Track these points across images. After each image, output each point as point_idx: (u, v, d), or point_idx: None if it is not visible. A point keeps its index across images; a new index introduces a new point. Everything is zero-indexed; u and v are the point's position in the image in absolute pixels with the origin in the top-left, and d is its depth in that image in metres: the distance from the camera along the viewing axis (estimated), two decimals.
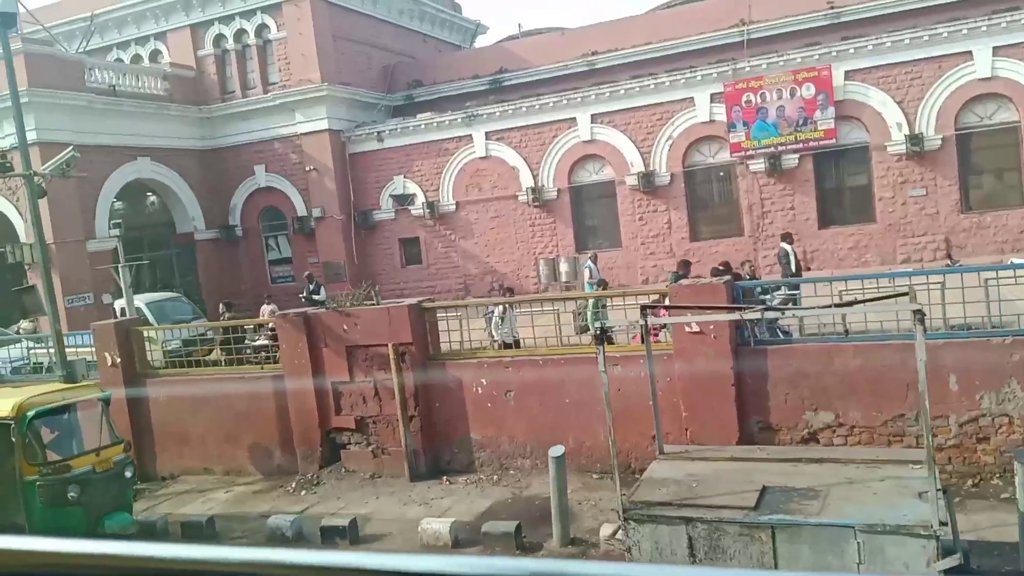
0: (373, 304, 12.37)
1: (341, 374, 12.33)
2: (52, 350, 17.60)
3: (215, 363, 16.07)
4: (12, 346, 18.47)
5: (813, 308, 7.95)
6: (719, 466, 7.35)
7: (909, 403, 9.08)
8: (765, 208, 22.82)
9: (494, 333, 13.10)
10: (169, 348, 16.71)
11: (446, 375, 11.95)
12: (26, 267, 22.98)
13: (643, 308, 7.47)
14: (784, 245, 16.15)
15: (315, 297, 21.25)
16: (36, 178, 12.03)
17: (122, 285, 15.76)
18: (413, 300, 12.32)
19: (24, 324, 22.27)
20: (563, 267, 24.24)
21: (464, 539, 9.45)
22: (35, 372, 15.57)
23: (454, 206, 26.16)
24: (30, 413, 9.63)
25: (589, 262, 18.78)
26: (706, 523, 6.38)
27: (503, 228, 25.81)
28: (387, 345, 11.87)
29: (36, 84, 21.93)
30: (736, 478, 6.97)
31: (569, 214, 25.06)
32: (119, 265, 16.04)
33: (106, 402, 10.52)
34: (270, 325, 17.96)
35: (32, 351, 18.48)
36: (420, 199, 26.43)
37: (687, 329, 9.67)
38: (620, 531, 7.19)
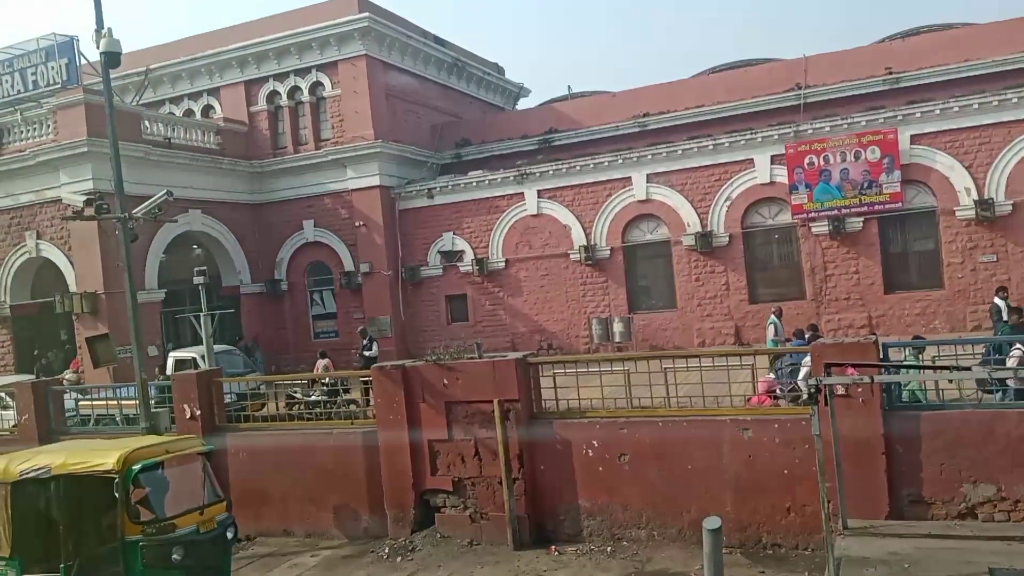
0: (474, 358, 11.84)
1: (439, 432, 11.75)
2: (107, 402, 17.13)
3: (269, 418, 15.52)
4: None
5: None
6: (922, 544, 6.73)
7: None
8: (828, 271, 22.43)
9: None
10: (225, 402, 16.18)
11: (554, 435, 11.36)
12: (74, 317, 22.59)
13: (827, 365, 6.95)
14: (997, 300, 15.31)
15: (367, 353, 20.76)
16: (130, 222, 11.66)
17: (202, 335, 15.30)
18: (519, 354, 11.80)
19: (68, 375, 21.74)
20: (617, 327, 23.78)
21: None
22: (103, 425, 14.95)
23: (503, 263, 25.84)
24: (136, 467, 9.04)
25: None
26: None
27: (553, 286, 25.42)
28: (491, 401, 11.31)
29: (94, 134, 21.85)
30: (951, 558, 6.36)
31: (622, 273, 24.70)
32: (200, 314, 15.56)
33: (208, 456, 9.94)
34: (324, 380, 17.59)
35: (79, 402, 17.93)
36: (469, 256, 26.13)
37: (837, 392, 9.11)
38: None
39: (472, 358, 11.88)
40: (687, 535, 10.52)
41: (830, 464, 7.42)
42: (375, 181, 26.16)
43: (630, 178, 24.29)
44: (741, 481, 10.31)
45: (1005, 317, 14.72)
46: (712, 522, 8.20)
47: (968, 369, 7.16)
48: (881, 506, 9.21)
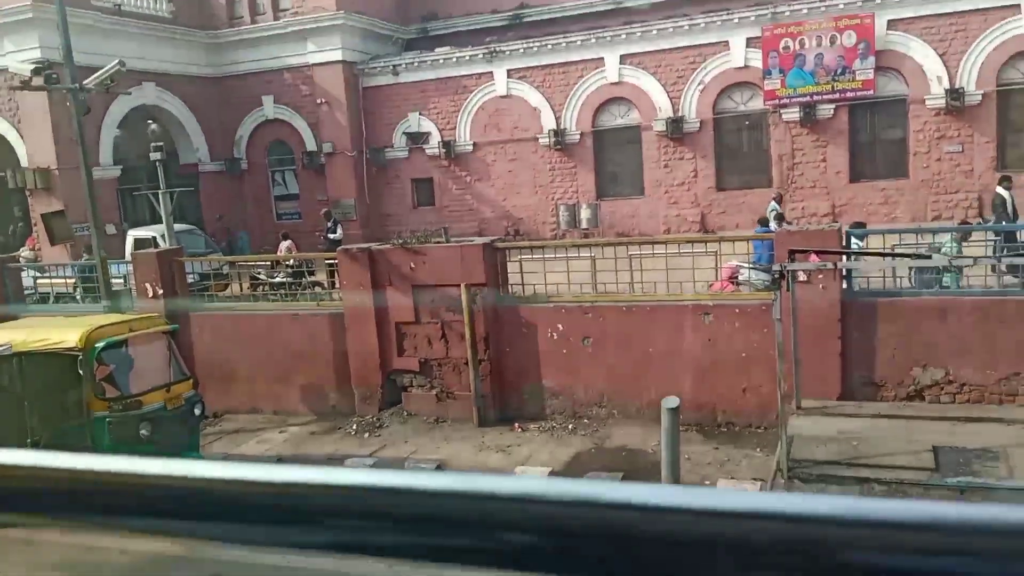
0: (441, 242, 11.78)
1: (406, 314, 11.80)
2: (68, 280, 16.89)
3: (234, 299, 15.45)
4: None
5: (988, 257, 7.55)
6: (871, 423, 7.02)
7: None
8: (796, 159, 22.41)
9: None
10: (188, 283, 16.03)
11: (519, 319, 11.48)
12: (27, 193, 21.91)
13: (791, 252, 7.01)
14: (1001, 190, 14.66)
15: (331, 236, 20.54)
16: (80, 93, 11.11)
17: (162, 213, 14.93)
18: (486, 239, 11.75)
19: (25, 252, 21.32)
20: (584, 213, 23.75)
21: None
22: (63, 301, 14.76)
23: (471, 147, 25.35)
24: (99, 344, 9.00)
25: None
26: (884, 484, 6.06)
27: (521, 171, 25.11)
28: (458, 285, 11.33)
29: None
30: (898, 437, 6.66)
31: (591, 159, 24.42)
32: (159, 191, 15.14)
33: (173, 335, 9.90)
34: (289, 262, 17.46)
35: (37, 280, 17.64)
36: (435, 138, 25.56)
37: (799, 278, 9.26)
38: (774, 489, 6.84)
39: (439, 242, 11.81)
40: (646, 414, 10.87)
41: (787, 347, 7.62)
42: (337, 56, 25.14)
43: (603, 59, 23.64)
44: (700, 363, 10.60)
45: (1010, 209, 14.22)
46: (670, 401, 8.49)
47: (928, 257, 7.28)
48: (834, 388, 9.55)
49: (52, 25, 20.48)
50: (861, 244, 11.82)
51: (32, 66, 15.34)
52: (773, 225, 13.64)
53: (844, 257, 8.69)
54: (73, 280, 16.62)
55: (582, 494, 0.63)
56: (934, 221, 20.68)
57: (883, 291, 9.79)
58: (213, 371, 12.93)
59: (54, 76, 11.58)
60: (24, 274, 17.26)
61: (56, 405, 9.62)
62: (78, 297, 14.69)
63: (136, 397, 9.18)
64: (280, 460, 10.59)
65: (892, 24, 20.92)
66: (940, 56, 20.62)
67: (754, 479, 8.66)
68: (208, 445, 11.81)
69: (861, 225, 14.63)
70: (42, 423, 9.28)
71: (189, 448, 9.72)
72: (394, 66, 25.58)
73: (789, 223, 16.83)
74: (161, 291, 12.91)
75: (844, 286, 9.80)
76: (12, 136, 22.06)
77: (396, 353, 12.04)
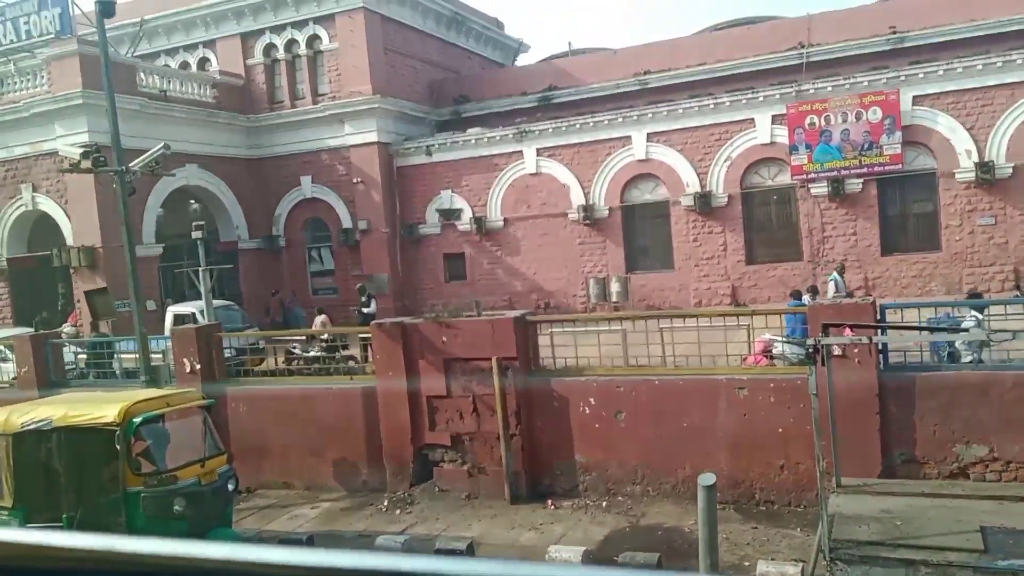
0: (473, 316, 11.88)
1: (437, 388, 11.83)
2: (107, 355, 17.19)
3: (269, 373, 15.61)
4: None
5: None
6: (914, 503, 6.84)
7: None
8: (826, 233, 22.42)
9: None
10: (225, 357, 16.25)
11: (550, 392, 11.45)
12: (72, 271, 22.56)
13: (826, 325, 6.98)
14: None
15: (365, 310, 20.80)
16: (127, 176, 11.58)
17: (201, 289, 15.27)
18: (517, 312, 11.84)
19: (67, 328, 21.78)
20: (614, 287, 23.85)
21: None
22: (104, 377, 15.02)
23: (502, 222, 25.76)
24: (137, 420, 9.11)
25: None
26: (932, 567, 5.86)
27: (551, 246, 25.38)
28: (490, 359, 11.37)
29: (89, 86, 21.57)
30: (943, 516, 6.47)
31: (620, 233, 24.66)
32: (199, 268, 15.54)
33: (209, 409, 10.02)
34: (323, 337, 17.67)
35: (78, 356, 17.99)
36: (467, 214, 26.03)
37: (834, 352, 9.18)
38: (816, 571, 6.65)
39: (470, 316, 11.91)
40: (681, 491, 10.68)
41: (825, 423, 7.51)
42: (373, 137, 25.93)
43: (630, 137, 24.11)
44: (736, 439, 10.44)
45: None
46: (707, 478, 8.33)
47: (965, 331, 7.20)
48: (874, 465, 9.34)
49: (100, 110, 21.52)
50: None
51: (81, 150, 16.07)
52: (807, 299, 13.58)
53: (879, 331, 8.62)
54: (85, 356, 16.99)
55: None
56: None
57: (921, 365, 9.65)
58: (247, 445, 12.97)
59: (102, 159, 12.10)
60: (65, 349, 17.67)
61: (93, 480, 9.70)
62: (117, 372, 14.91)
63: (171, 472, 9.24)
64: (311, 537, 10.52)
65: (917, 100, 21.16)
66: (968, 130, 20.74)
67: (795, 560, 8.42)
68: (241, 520, 11.77)
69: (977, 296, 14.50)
70: (78, 498, 9.35)
71: (222, 523, 9.70)
72: (427, 146, 26.30)
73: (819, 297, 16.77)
74: (199, 366, 13.11)
75: (881, 360, 9.68)
76: (59, 216, 22.87)
77: (428, 427, 12.03)
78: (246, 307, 24.93)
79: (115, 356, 15.33)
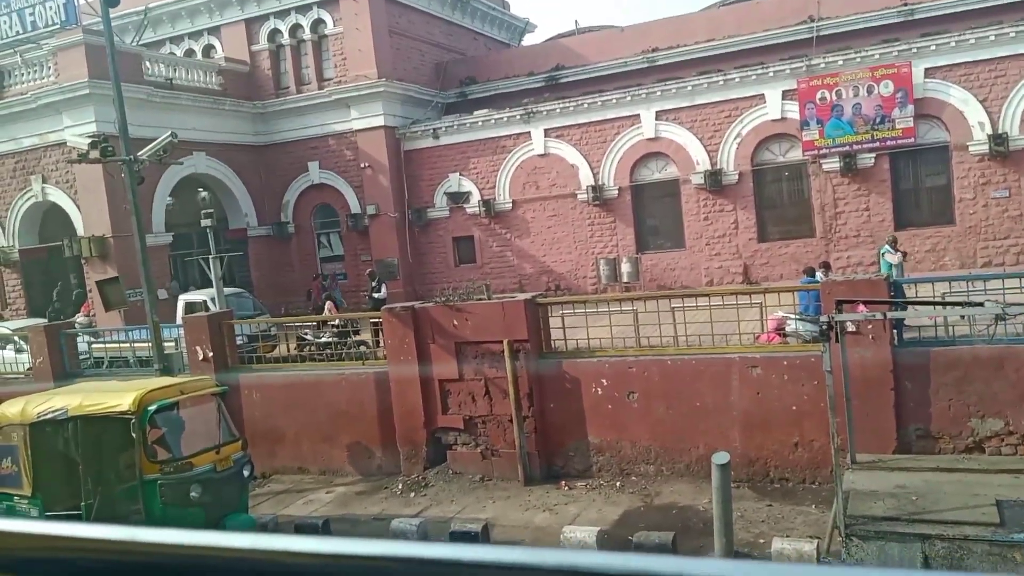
0: (483, 299, 11.86)
1: (449, 371, 11.84)
2: (119, 344, 17.28)
3: (281, 360, 15.66)
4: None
5: None
6: (929, 478, 6.80)
7: None
8: (838, 209, 22.24)
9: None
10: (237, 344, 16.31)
11: (562, 374, 11.44)
12: (83, 261, 22.66)
13: (839, 302, 6.92)
14: None
15: (376, 295, 20.79)
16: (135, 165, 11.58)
17: (212, 277, 15.31)
18: (528, 295, 11.81)
19: (80, 318, 21.92)
20: (625, 267, 23.77)
21: (611, 550, 8.90)
22: (117, 366, 15.10)
23: (510, 204, 25.67)
24: (151, 408, 9.17)
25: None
26: (947, 541, 5.83)
27: (561, 227, 25.30)
28: (501, 342, 11.36)
29: (96, 76, 21.55)
30: (959, 491, 6.43)
31: (630, 213, 24.53)
32: (209, 256, 15.57)
33: (223, 396, 10.06)
34: (335, 322, 17.70)
35: (92, 345, 18.09)
36: (475, 197, 25.95)
37: (848, 329, 9.11)
38: (832, 548, 6.63)
39: (481, 299, 11.89)
40: (695, 470, 10.67)
41: (839, 400, 7.46)
42: (379, 121, 25.84)
43: (638, 115, 23.93)
44: (749, 417, 10.41)
45: None
46: (721, 457, 8.33)
47: (980, 304, 7.13)
48: (889, 441, 9.30)
49: (108, 100, 21.52)
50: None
51: (89, 140, 16.08)
52: (820, 275, 13.48)
53: (893, 307, 8.54)
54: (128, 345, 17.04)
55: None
56: (984, 267, 20.25)
57: (936, 340, 9.57)
58: (261, 431, 13.06)
59: (110, 149, 12.09)
60: (79, 339, 17.78)
61: (109, 468, 9.79)
62: (131, 361, 15.00)
63: (187, 459, 9.30)
64: (327, 522, 10.58)
65: (930, 72, 20.89)
66: (981, 102, 20.47)
67: (811, 537, 8.41)
68: (257, 506, 11.85)
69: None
70: (95, 486, 9.43)
71: (238, 509, 9.77)
72: (434, 129, 26.18)
73: (832, 273, 16.65)
74: (211, 353, 13.16)
75: (895, 336, 9.61)
76: (69, 207, 22.95)
77: (440, 411, 12.05)
78: (257, 294, 25.02)
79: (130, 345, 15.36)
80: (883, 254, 17.06)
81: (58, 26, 22.47)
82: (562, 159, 24.97)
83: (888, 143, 21.35)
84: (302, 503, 11.90)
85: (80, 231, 22.56)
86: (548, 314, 11.94)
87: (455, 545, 0.77)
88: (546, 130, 25.02)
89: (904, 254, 17.27)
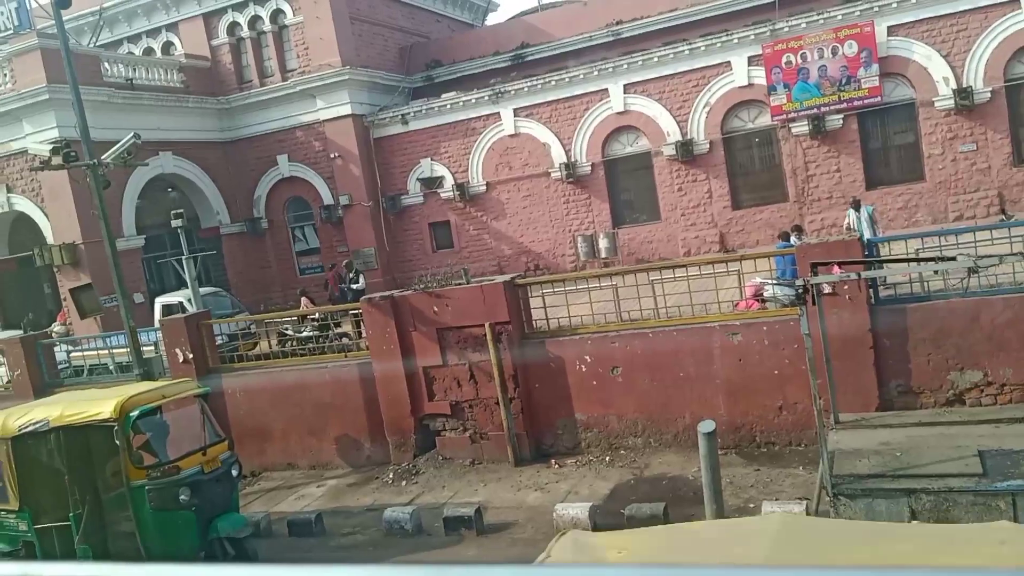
0: (463, 284, 11.83)
1: (433, 358, 11.83)
2: (98, 352, 17.08)
3: (263, 357, 15.56)
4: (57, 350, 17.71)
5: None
6: (912, 433, 6.90)
7: None
8: (810, 172, 22.37)
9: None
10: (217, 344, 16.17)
11: (546, 353, 11.46)
12: (55, 270, 22.34)
13: (814, 265, 6.97)
14: None
15: (355, 287, 20.66)
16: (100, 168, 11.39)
17: (187, 278, 15.14)
18: (507, 277, 11.80)
19: (56, 327, 21.65)
20: (602, 243, 23.80)
21: (604, 524, 8.95)
22: (97, 374, 14.94)
23: (484, 187, 25.58)
24: (133, 413, 9.08)
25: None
26: (932, 494, 5.93)
27: (536, 206, 25.27)
28: (483, 325, 11.36)
29: (54, 80, 21.14)
30: (941, 444, 6.53)
31: (604, 188, 24.53)
32: (183, 257, 15.39)
33: (205, 398, 9.98)
34: (314, 316, 17.58)
35: (71, 354, 17.89)
36: (449, 181, 25.83)
37: (824, 291, 9.19)
38: (820, 508, 6.72)
39: (460, 284, 11.86)
40: (683, 440, 10.76)
41: (819, 362, 7.53)
42: (346, 110, 25.59)
43: (607, 90, 23.88)
44: (732, 384, 10.50)
45: None
46: (706, 426, 8.39)
47: (953, 259, 7.21)
48: (871, 399, 9.42)
49: (67, 104, 21.08)
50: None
51: (50, 146, 15.79)
52: (794, 239, 13.57)
53: (868, 266, 8.62)
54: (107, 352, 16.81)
55: None
56: (955, 222, 20.49)
57: (911, 296, 9.68)
58: (247, 430, 13.01)
59: (72, 154, 11.88)
60: (57, 349, 17.55)
61: (96, 476, 9.71)
62: (111, 368, 14.84)
63: (174, 463, 9.24)
64: (320, 516, 10.57)
65: (892, 30, 20.99)
66: (944, 57, 20.61)
67: (799, 498, 8.53)
68: (247, 505, 11.82)
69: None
70: (83, 495, 9.36)
71: (229, 509, 9.73)
72: (403, 115, 25.98)
73: (806, 236, 16.78)
74: (191, 355, 13.05)
75: (871, 295, 9.71)
76: (37, 215, 22.57)
77: (426, 398, 12.05)
78: (234, 292, 24.80)
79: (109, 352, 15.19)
80: (855, 218, 17.05)
81: (11, 32, 22.00)
82: (533, 138, 24.88)
83: (855, 103, 21.47)
84: (294, 499, 11.88)
85: (50, 239, 22.21)
86: (528, 295, 11.95)
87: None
88: (515, 110, 24.92)
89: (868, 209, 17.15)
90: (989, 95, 20.35)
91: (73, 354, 17.66)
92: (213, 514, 9.46)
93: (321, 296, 23.18)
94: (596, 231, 24.18)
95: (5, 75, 22.18)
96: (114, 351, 15.03)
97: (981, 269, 8.32)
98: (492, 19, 34.99)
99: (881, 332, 9.49)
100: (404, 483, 11.57)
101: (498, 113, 25.09)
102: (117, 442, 8.98)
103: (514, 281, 11.75)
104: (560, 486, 10.49)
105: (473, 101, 25.25)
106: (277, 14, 26.06)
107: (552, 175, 24.69)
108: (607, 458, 11.06)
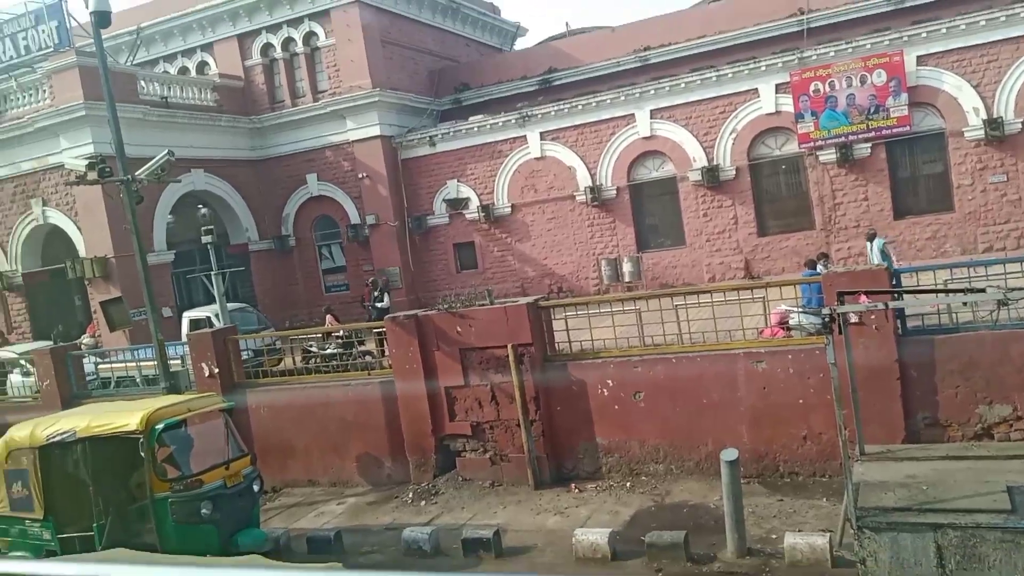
0: (486, 305, 11.88)
1: (455, 378, 11.86)
2: (125, 364, 17.31)
3: (287, 373, 15.68)
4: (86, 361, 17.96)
5: None
6: (939, 466, 6.80)
7: None
8: (837, 200, 22.24)
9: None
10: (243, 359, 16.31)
11: (568, 376, 11.45)
12: (86, 282, 22.71)
13: (841, 293, 6.93)
14: None
15: (379, 305, 20.79)
16: (133, 184, 11.62)
17: (215, 293, 15.35)
18: (530, 298, 11.83)
19: (85, 340, 21.96)
20: (626, 267, 23.80)
21: (623, 551, 8.90)
22: (124, 387, 15.13)
23: (509, 209, 25.70)
24: (159, 426, 9.19)
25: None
26: (959, 529, 5.83)
27: (561, 229, 25.33)
28: (505, 346, 11.38)
29: (91, 97, 21.62)
30: (969, 478, 6.43)
31: (629, 212, 24.55)
32: (212, 273, 15.61)
33: (230, 412, 10.08)
34: (339, 333, 17.71)
35: (99, 366, 18.13)
36: (474, 203, 26.00)
37: (851, 320, 9.12)
38: (844, 541, 6.63)
39: (484, 305, 11.91)
40: (705, 467, 10.67)
41: (845, 392, 7.46)
42: (375, 131, 25.90)
43: (633, 115, 23.96)
44: (756, 412, 10.41)
45: None
46: (729, 454, 8.34)
47: (982, 291, 7.13)
48: (897, 431, 9.30)
49: (103, 121, 21.58)
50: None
51: (86, 161, 16.12)
52: (820, 268, 13.49)
53: (895, 296, 8.55)
54: (134, 364, 17.00)
55: None
56: (985, 253, 20.24)
57: (939, 328, 9.58)
58: (270, 446, 13.09)
59: (107, 169, 12.15)
60: (85, 360, 17.81)
61: (120, 487, 9.83)
62: (138, 380, 15.04)
63: (197, 476, 9.32)
64: (339, 534, 10.58)
65: (922, 60, 20.90)
66: (974, 88, 20.47)
67: (823, 530, 8.41)
68: (268, 520, 11.87)
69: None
70: (106, 506, 9.46)
71: (249, 524, 9.79)
72: (431, 137, 26.24)
73: (832, 264, 16.67)
74: (217, 370, 13.19)
75: (899, 325, 9.61)
76: (70, 228, 23.00)
77: (448, 418, 12.07)
78: (261, 308, 25.06)
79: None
80: (875, 250, 16.94)
81: (52, 49, 22.57)
82: (559, 161, 25.01)
83: (883, 132, 21.37)
84: (313, 516, 11.91)
85: (82, 252, 22.62)
86: (551, 317, 11.96)
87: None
88: (542, 133, 25.07)
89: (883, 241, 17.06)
90: (1020, 126, 20.17)
91: (101, 366, 17.91)
92: (234, 529, 9.53)
93: (353, 313, 23.38)
94: (620, 255, 24.17)
95: (44, 91, 22.72)
96: (141, 364, 15.23)
97: (1011, 301, 8.21)
98: (520, 44, 35.34)
99: (908, 363, 9.39)
100: (424, 503, 11.57)
101: (524, 136, 25.26)
102: (142, 454, 9.09)
103: (538, 303, 11.77)
104: (580, 511, 10.43)
105: (500, 124, 25.46)
106: (310, 36, 26.50)
107: (577, 198, 24.77)
108: (628, 484, 10.99)
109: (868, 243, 16.74)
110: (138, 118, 22.72)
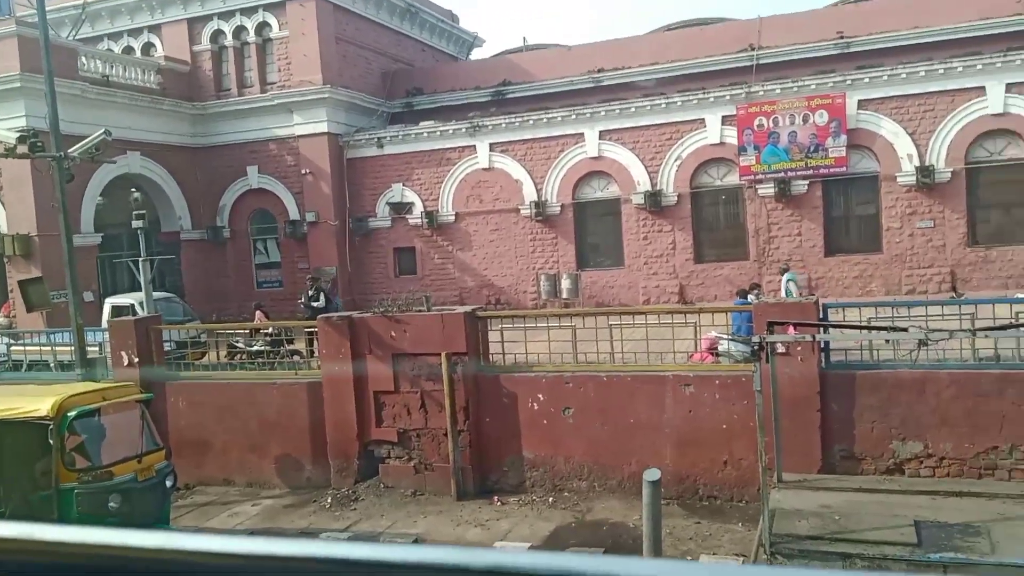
0: (423, 311, 11.77)
1: (385, 383, 11.70)
2: (40, 348, 16.60)
3: (211, 367, 15.29)
4: None
5: (968, 330, 7.62)
6: (852, 498, 6.98)
7: (1004, 435, 8.86)
8: (772, 233, 22.80)
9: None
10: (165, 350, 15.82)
11: (500, 388, 11.41)
12: (5, 260, 21.77)
13: (771, 324, 7.07)
14: None
15: (315, 304, 20.41)
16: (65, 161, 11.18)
17: (141, 280, 14.84)
18: (468, 308, 11.76)
19: (0, 320, 21.06)
20: (565, 283, 23.94)
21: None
22: (37, 370, 14.50)
23: (453, 217, 25.63)
24: (71, 414, 8.82)
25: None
26: (867, 560, 5.98)
27: (503, 241, 25.35)
28: (439, 354, 11.28)
29: (28, 69, 20.82)
30: (879, 511, 6.61)
31: (572, 230, 24.72)
32: (139, 259, 15.09)
33: (147, 404, 9.74)
34: (267, 330, 17.33)
35: (11, 348, 17.37)
36: (418, 208, 25.84)
37: (778, 350, 9.32)
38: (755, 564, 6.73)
39: (421, 311, 11.80)
40: (627, 487, 10.74)
41: (768, 419, 7.60)
42: (323, 128, 25.55)
43: (583, 134, 24.19)
44: (681, 435, 10.54)
45: None
46: (652, 474, 8.39)
47: (905, 330, 7.36)
48: (814, 461, 9.51)
49: (39, 94, 20.74)
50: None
51: (17, 134, 15.46)
52: (751, 298, 13.79)
53: (822, 330, 8.77)
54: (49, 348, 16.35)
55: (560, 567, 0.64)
56: (908, 295, 20.99)
57: (861, 363, 9.87)
58: (186, 441, 12.69)
59: (39, 144, 11.67)
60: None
61: (25, 475, 9.37)
62: (52, 365, 14.43)
63: (106, 468, 8.97)
64: (252, 534, 10.29)
65: (863, 104, 21.64)
66: (910, 135, 21.29)
67: (737, 554, 8.53)
68: (178, 518, 11.48)
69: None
70: (9, 493, 9.02)
71: (159, 521, 9.45)
72: (379, 138, 26.00)
73: (763, 295, 17.08)
74: (137, 359, 12.74)
75: (823, 358, 9.87)
76: None
77: (374, 423, 11.89)
78: (188, 299, 24.37)
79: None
80: (787, 282, 17.48)
81: None
82: (506, 174, 25.05)
83: (821, 171, 22.03)
84: (226, 516, 11.57)
85: (3, 228, 21.68)
86: (488, 328, 11.92)
87: (376, 545, 0.76)
88: (491, 144, 25.09)
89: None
90: (949, 176, 21.02)
91: (14, 348, 17.14)
92: (142, 524, 9.16)
93: (285, 311, 22.88)
94: (560, 271, 24.31)
95: None
96: (57, 348, 14.62)
97: (931, 342, 8.52)
98: (477, 54, 35.40)
99: (829, 395, 9.63)
100: (342, 509, 11.35)
101: (474, 146, 25.25)
102: (51, 441, 8.70)
103: (475, 313, 11.72)
104: (501, 524, 10.38)
105: (450, 132, 25.39)
106: (263, 27, 26.04)
107: (522, 212, 24.83)
108: (551, 499, 10.99)
109: (781, 275, 17.38)
110: (76, 94, 21.97)
